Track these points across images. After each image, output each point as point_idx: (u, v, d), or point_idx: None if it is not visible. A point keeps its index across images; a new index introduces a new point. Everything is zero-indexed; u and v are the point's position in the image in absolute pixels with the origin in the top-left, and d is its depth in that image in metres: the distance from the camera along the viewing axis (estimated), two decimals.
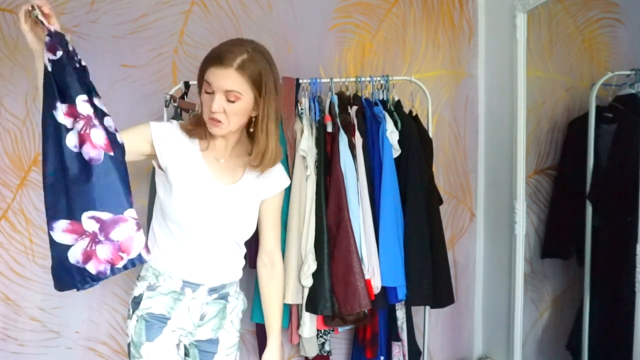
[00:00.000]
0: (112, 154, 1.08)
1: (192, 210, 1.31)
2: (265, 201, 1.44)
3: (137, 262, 1.10)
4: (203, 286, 1.37)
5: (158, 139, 1.31)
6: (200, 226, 1.33)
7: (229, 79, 1.24)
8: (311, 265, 1.75)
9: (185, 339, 1.40)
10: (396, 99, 1.99)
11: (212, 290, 1.39)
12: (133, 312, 1.36)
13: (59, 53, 1.06)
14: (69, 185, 1.05)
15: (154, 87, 2.16)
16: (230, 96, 1.25)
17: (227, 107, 1.26)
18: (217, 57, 1.25)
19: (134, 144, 1.27)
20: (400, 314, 1.97)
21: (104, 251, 1.06)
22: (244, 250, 1.46)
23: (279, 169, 1.47)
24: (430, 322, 2.23)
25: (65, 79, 1.05)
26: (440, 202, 2.03)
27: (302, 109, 1.91)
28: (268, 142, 1.34)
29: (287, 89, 1.89)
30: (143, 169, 2.07)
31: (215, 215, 1.34)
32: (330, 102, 1.90)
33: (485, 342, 2.36)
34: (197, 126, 1.35)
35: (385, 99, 1.98)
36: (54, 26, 1.07)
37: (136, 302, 1.36)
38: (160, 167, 1.34)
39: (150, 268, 1.38)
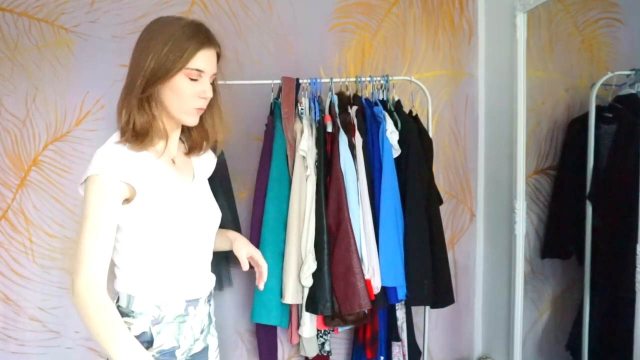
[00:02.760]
0: None
1: (179, 220, 1.19)
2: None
3: None
4: (201, 299, 1.27)
5: (123, 174, 1.09)
6: (190, 232, 1.22)
7: (215, 60, 1.17)
8: (311, 265, 1.75)
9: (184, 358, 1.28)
10: (396, 99, 1.99)
11: (207, 300, 1.31)
12: None
13: None
14: None
15: None
16: (212, 79, 1.18)
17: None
18: (206, 38, 1.13)
19: (113, 217, 1.08)
20: (400, 314, 1.97)
21: None
22: None
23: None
24: (430, 322, 2.23)
25: None
26: (440, 202, 2.03)
27: (302, 109, 1.91)
28: (221, 119, 1.27)
29: (287, 89, 1.89)
30: None
31: (197, 214, 1.24)
32: (330, 102, 1.90)
33: (485, 342, 2.35)
34: (145, 138, 1.14)
35: (385, 99, 1.98)
36: None
37: (140, 342, 1.10)
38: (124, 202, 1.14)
39: (147, 301, 1.17)
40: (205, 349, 1.33)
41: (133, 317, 1.17)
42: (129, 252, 1.17)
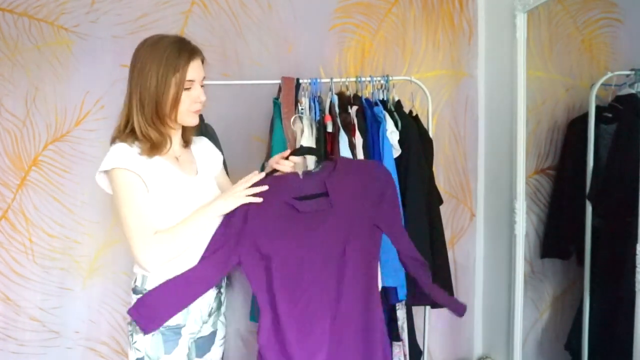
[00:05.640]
0: None
1: (181, 209, 1.32)
2: (216, 177, 1.51)
3: None
4: None
5: (132, 165, 1.27)
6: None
7: (202, 67, 1.35)
8: None
9: (191, 339, 1.38)
10: (396, 99, 1.99)
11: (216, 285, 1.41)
12: None
13: None
14: None
15: None
16: (202, 82, 1.36)
17: None
18: (191, 51, 1.31)
19: (141, 194, 1.27)
20: (401, 314, 1.96)
21: None
22: None
23: (208, 143, 1.56)
24: (430, 322, 2.23)
25: None
26: (440, 202, 2.03)
27: (302, 109, 1.91)
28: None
29: (287, 88, 1.89)
30: None
31: (198, 204, 1.35)
32: (331, 102, 1.90)
33: (485, 342, 2.36)
34: (159, 148, 1.32)
35: (385, 99, 1.98)
36: None
37: None
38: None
39: (158, 281, 1.30)
40: (212, 334, 1.44)
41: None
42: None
